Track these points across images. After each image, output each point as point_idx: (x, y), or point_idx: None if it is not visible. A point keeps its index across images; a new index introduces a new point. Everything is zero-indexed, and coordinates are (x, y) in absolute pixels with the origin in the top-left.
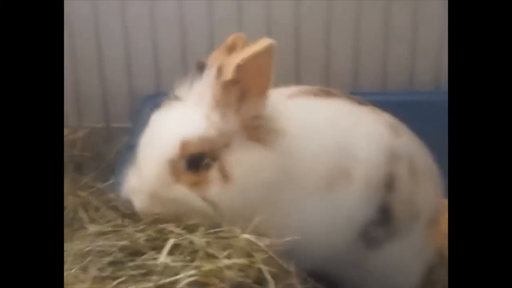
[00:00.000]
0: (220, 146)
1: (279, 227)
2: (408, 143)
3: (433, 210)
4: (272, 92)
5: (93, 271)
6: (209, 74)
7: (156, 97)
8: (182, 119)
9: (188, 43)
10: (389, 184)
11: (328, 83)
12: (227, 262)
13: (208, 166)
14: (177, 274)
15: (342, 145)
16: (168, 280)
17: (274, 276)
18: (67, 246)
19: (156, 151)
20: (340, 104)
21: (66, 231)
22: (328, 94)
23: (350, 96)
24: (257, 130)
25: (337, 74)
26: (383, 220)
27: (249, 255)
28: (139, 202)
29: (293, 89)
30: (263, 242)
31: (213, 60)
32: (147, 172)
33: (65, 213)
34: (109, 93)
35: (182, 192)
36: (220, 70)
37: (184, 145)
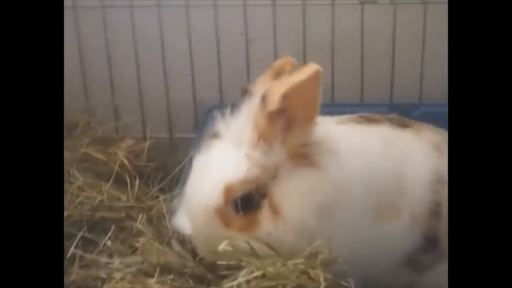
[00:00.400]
0: (267, 181)
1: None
2: None
3: None
4: (320, 118)
5: None
6: (252, 105)
7: (220, 108)
8: (223, 162)
9: (253, 52)
10: (435, 211)
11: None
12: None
13: (258, 205)
14: None
15: (392, 176)
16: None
17: None
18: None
19: (202, 201)
20: (386, 131)
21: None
22: (370, 120)
23: (390, 118)
24: (306, 157)
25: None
26: (430, 246)
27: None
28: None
29: (338, 117)
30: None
31: (259, 87)
32: (196, 222)
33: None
34: (173, 104)
35: (221, 236)
36: (264, 100)
37: (228, 190)
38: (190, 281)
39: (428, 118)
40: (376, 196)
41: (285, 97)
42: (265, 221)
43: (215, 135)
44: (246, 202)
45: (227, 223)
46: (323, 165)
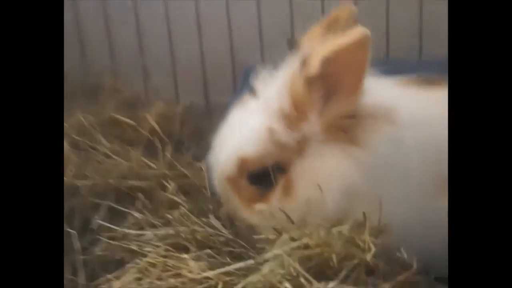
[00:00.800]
0: (290, 157)
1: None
2: None
3: None
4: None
5: None
6: (291, 66)
7: (260, 68)
8: (245, 131)
9: (295, 15)
10: None
11: None
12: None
13: (272, 182)
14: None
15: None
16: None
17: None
18: None
19: (218, 168)
20: (440, 93)
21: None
22: (430, 83)
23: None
24: (345, 131)
25: None
26: None
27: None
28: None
29: (396, 78)
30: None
31: (308, 42)
32: (217, 188)
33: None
34: (209, 65)
35: (239, 209)
36: (304, 63)
37: (242, 162)
38: (228, 257)
39: None
40: (437, 169)
41: (328, 61)
42: (275, 201)
43: (253, 93)
44: (260, 177)
45: (239, 193)
46: (367, 143)
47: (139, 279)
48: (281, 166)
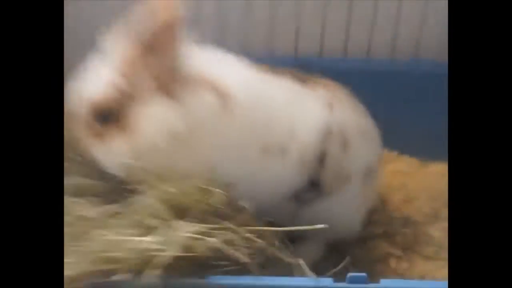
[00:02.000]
0: (128, 102)
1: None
2: (342, 116)
3: (368, 166)
4: (220, 56)
5: None
6: (121, 30)
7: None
8: (92, 78)
9: None
10: (321, 159)
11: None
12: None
13: (114, 120)
14: None
15: (283, 122)
16: None
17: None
18: None
19: (73, 109)
20: (287, 84)
21: None
22: (275, 72)
23: (293, 72)
24: (165, 86)
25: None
26: (312, 187)
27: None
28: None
29: (245, 62)
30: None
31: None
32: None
33: None
34: None
35: (87, 141)
36: (132, 26)
37: (91, 103)
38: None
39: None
40: (263, 135)
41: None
42: (116, 135)
43: (100, 53)
44: (104, 115)
45: (90, 130)
46: (183, 98)
47: None
48: (120, 109)
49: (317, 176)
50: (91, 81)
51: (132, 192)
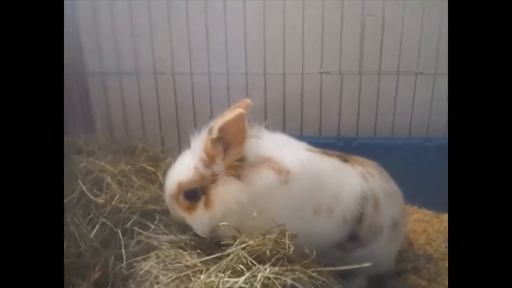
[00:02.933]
0: (207, 184)
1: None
2: (373, 184)
3: (394, 219)
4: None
5: None
6: (204, 132)
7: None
8: (182, 166)
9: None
10: (359, 218)
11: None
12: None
13: (199, 198)
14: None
15: (332, 189)
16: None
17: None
18: None
19: (166, 190)
20: (334, 161)
21: None
22: (323, 152)
23: (340, 154)
24: (236, 170)
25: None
26: (352, 239)
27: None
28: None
29: (306, 145)
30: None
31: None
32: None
33: None
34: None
35: (178, 213)
36: (210, 130)
37: (180, 185)
38: (202, 253)
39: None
40: (315, 199)
41: (222, 129)
42: (199, 209)
43: (189, 146)
44: (190, 194)
45: (179, 205)
46: (246, 178)
47: (157, 263)
48: (202, 189)
49: (357, 232)
50: (181, 168)
51: (224, 246)
